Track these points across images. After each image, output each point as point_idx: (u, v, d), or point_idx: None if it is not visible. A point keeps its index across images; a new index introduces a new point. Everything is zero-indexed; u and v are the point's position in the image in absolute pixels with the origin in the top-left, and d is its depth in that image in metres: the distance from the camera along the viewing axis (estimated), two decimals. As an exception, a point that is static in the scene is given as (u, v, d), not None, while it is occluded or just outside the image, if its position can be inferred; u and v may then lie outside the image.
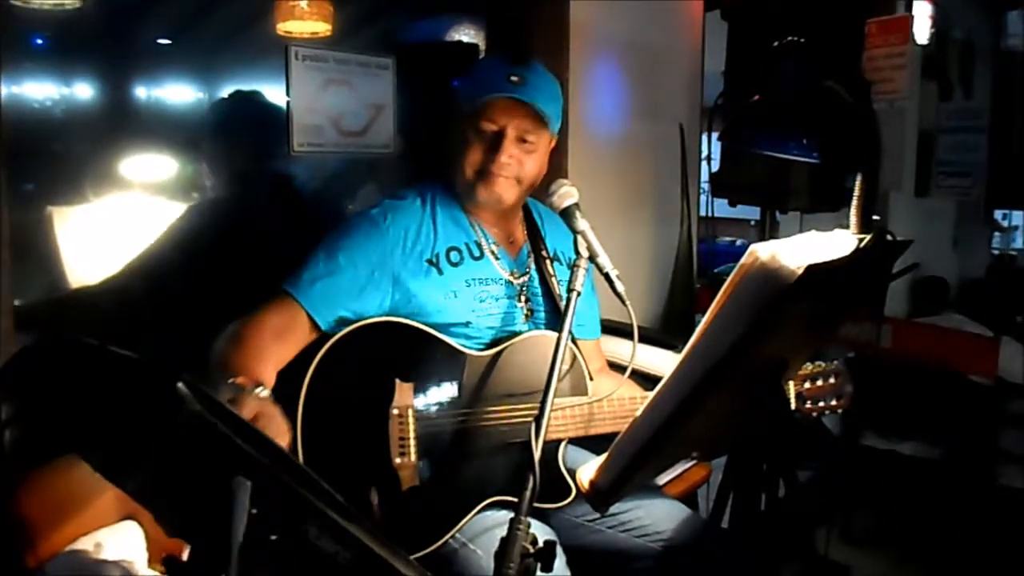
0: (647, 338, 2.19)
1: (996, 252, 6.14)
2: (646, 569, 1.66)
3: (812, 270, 0.97)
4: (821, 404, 1.74)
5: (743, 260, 1.04)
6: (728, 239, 7.59)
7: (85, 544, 1.38)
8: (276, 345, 1.51)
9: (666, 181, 3.12)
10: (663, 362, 2.23)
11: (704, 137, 3.23)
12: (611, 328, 1.94)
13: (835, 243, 1.12)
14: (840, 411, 1.76)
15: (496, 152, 1.62)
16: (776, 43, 1.81)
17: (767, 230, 2.35)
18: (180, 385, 0.67)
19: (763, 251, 1.03)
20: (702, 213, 3.29)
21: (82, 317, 2.22)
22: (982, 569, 3.00)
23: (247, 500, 0.70)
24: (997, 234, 6.21)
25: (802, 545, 2.91)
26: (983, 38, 5.34)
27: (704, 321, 1.08)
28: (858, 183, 1.21)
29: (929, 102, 4.69)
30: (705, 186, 3.11)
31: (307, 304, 1.54)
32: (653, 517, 1.68)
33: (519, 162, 1.64)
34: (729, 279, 1.05)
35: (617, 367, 1.99)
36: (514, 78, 1.62)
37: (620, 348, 2.04)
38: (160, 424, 0.66)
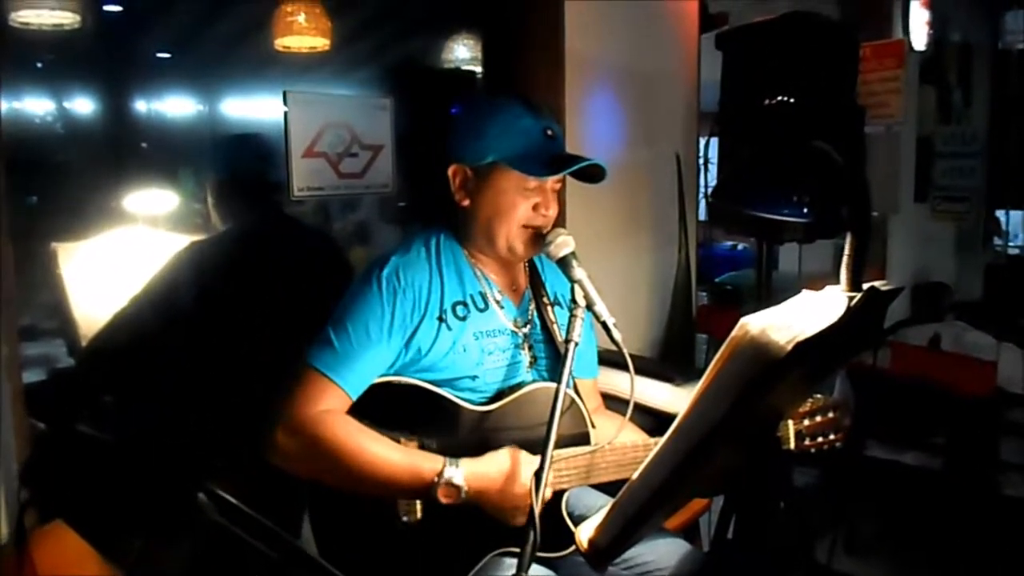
0: (645, 370, 2.21)
1: (997, 248, 6.14)
2: (647, 605, 1.68)
3: (801, 346, 1.00)
4: (820, 440, 1.72)
5: (734, 332, 1.07)
6: (728, 244, 7.59)
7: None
8: (347, 418, 1.52)
9: (664, 206, 3.14)
10: (661, 396, 2.26)
11: (703, 141, 3.26)
12: (609, 360, 1.96)
13: (826, 305, 1.14)
14: (838, 445, 1.76)
15: (542, 208, 1.62)
16: (767, 102, 1.83)
17: (764, 260, 2.37)
18: (200, 496, 0.70)
19: (753, 325, 1.05)
20: (701, 218, 3.32)
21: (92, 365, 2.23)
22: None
23: (267, 599, 0.73)
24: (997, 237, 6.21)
25: (806, 556, 2.93)
26: (981, 39, 5.35)
27: (698, 388, 1.11)
28: (848, 242, 1.23)
29: (928, 107, 4.70)
30: (704, 190, 3.14)
31: (346, 387, 1.53)
32: (655, 554, 1.70)
33: (554, 209, 1.66)
34: (720, 351, 1.08)
35: (615, 399, 2.01)
36: (549, 132, 1.63)
37: (618, 380, 2.05)
38: (182, 533, 0.69)
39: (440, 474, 1.47)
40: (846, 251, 1.23)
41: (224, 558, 0.72)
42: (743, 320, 1.06)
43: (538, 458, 1.40)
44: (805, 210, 1.72)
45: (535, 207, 1.62)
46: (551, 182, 1.64)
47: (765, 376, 1.03)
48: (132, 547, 0.68)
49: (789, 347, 1.00)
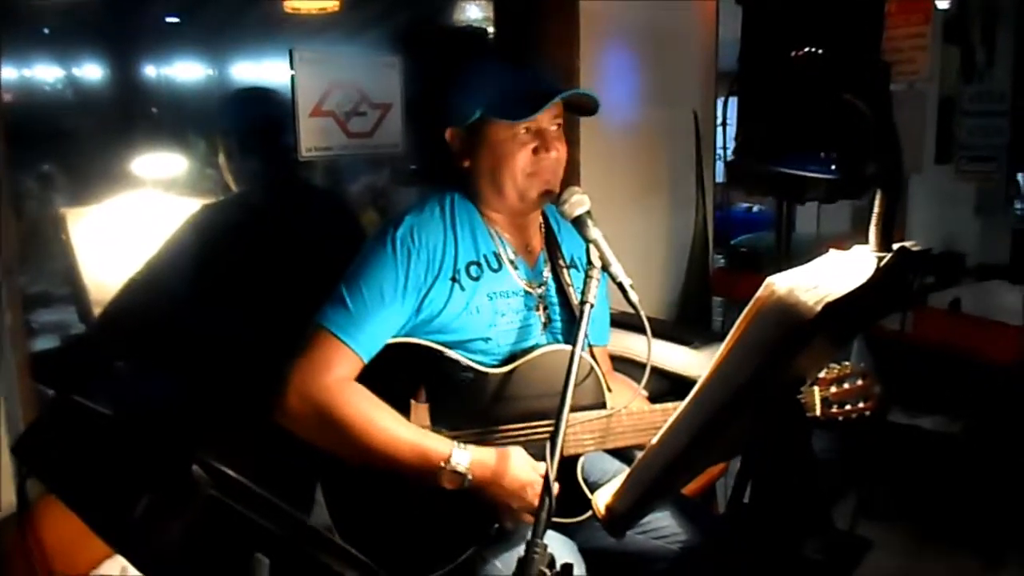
0: (661, 333, 2.17)
1: (1020, 212, 6.03)
2: (664, 571, 1.66)
3: (830, 307, 0.96)
4: (848, 408, 1.69)
5: (759, 293, 1.03)
6: (744, 206, 7.49)
7: (110, 568, 1.39)
8: (361, 390, 1.51)
9: (681, 167, 3.09)
10: (678, 359, 2.23)
11: (720, 102, 3.19)
12: (624, 323, 1.92)
13: (855, 265, 1.10)
14: (868, 413, 1.70)
15: (542, 151, 1.59)
16: (794, 53, 1.75)
17: (783, 219, 2.32)
18: (195, 468, 0.67)
19: (780, 284, 1.01)
20: (718, 180, 3.26)
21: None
22: (1006, 543, 2.99)
23: (267, 576, 0.70)
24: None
25: (824, 521, 2.91)
26: (1008, -4, 5.19)
27: (721, 352, 1.07)
28: (878, 200, 1.18)
29: (951, 66, 4.58)
30: (720, 152, 3.07)
31: (359, 349, 1.51)
32: (671, 519, 1.69)
33: (558, 151, 1.62)
34: (744, 312, 1.04)
35: (629, 362, 1.98)
36: (532, 75, 1.62)
37: (633, 343, 2.02)
38: (176, 508, 0.66)
39: (447, 460, 1.46)
40: (875, 208, 1.17)
41: (223, 534, 0.69)
42: (769, 280, 1.02)
43: (542, 465, 1.38)
44: (833, 167, 1.65)
45: (535, 151, 1.59)
46: (547, 122, 1.59)
47: (792, 338, 0.99)
48: (125, 523, 0.65)
49: (818, 308, 0.96)
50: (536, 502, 1.31)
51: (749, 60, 2.11)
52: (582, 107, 1.64)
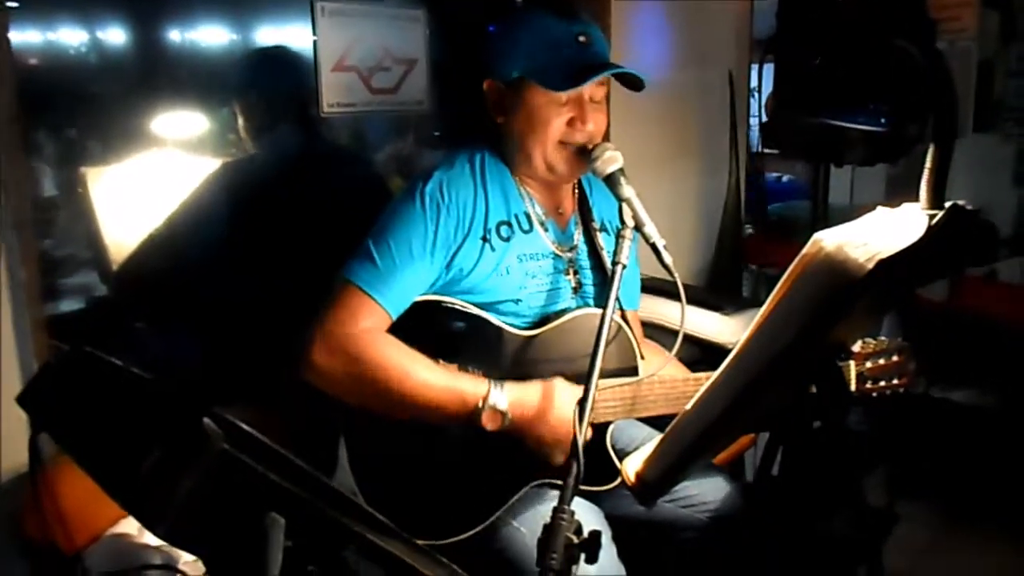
0: (693, 298, 2.12)
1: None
2: (692, 539, 1.66)
3: (882, 264, 0.90)
4: (883, 384, 1.64)
5: (806, 249, 0.97)
6: (775, 175, 7.33)
7: (127, 527, 1.37)
8: (389, 338, 1.47)
9: (713, 129, 3.01)
10: (709, 325, 2.17)
11: (754, 69, 3.10)
12: (655, 288, 1.87)
13: (905, 222, 1.04)
14: (902, 390, 1.66)
15: (578, 122, 1.52)
16: (840, -1, 1.66)
17: (820, 185, 2.24)
18: (206, 421, 0.63)
19: (828, 240, 0.96)
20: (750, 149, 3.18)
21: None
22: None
23: (281, 536, 0.67)
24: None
25: (854, 495, 2.86)
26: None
27: (761, 313, 1.01)
28: (931, 154, 1.11)
29: (990, 31, 4.46)
30: (753, 121, 2.99)
31: (387, 305, 1.48)
32: (700, 488, 1.66)
33: (596, 123, 1.55)
34: (790, 269, 0.98)
35: (659, 328, 1.93)
36: (582, 38, 1.53)
37: (664, 309, 1.97)
38: (186, 463, 0.62)
39: (485, 399, 1.42)
40: (927, 164, 1.11)
41: (235, 491, 0.65)
42: (816, 236, 0.97)
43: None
44: (882, 119, 1.57)
45: (570, 122, 1.53)
46: (588, 93, 1.53)
47: (841, 297, 0.94)
48: (131, 478, 0.61)
49: (870, 265, 0.90)
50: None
51: (790, 9, 2.01)
52: (624, 81, 1.56)
